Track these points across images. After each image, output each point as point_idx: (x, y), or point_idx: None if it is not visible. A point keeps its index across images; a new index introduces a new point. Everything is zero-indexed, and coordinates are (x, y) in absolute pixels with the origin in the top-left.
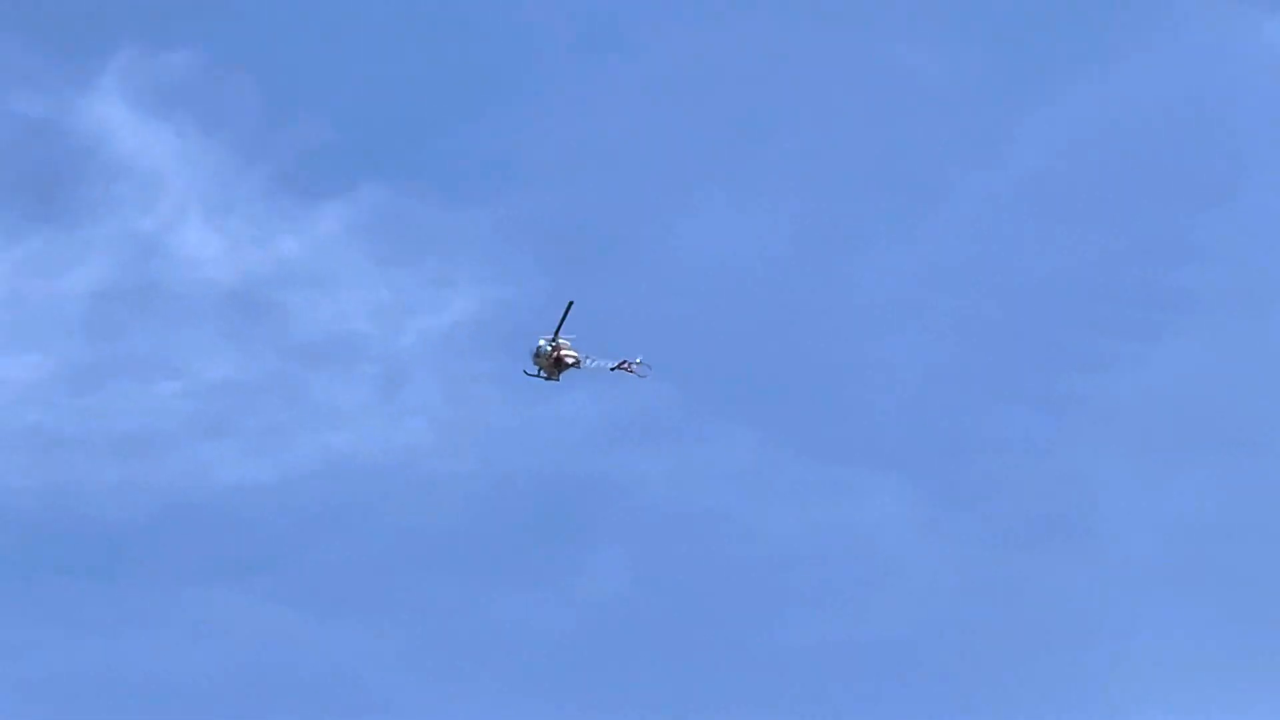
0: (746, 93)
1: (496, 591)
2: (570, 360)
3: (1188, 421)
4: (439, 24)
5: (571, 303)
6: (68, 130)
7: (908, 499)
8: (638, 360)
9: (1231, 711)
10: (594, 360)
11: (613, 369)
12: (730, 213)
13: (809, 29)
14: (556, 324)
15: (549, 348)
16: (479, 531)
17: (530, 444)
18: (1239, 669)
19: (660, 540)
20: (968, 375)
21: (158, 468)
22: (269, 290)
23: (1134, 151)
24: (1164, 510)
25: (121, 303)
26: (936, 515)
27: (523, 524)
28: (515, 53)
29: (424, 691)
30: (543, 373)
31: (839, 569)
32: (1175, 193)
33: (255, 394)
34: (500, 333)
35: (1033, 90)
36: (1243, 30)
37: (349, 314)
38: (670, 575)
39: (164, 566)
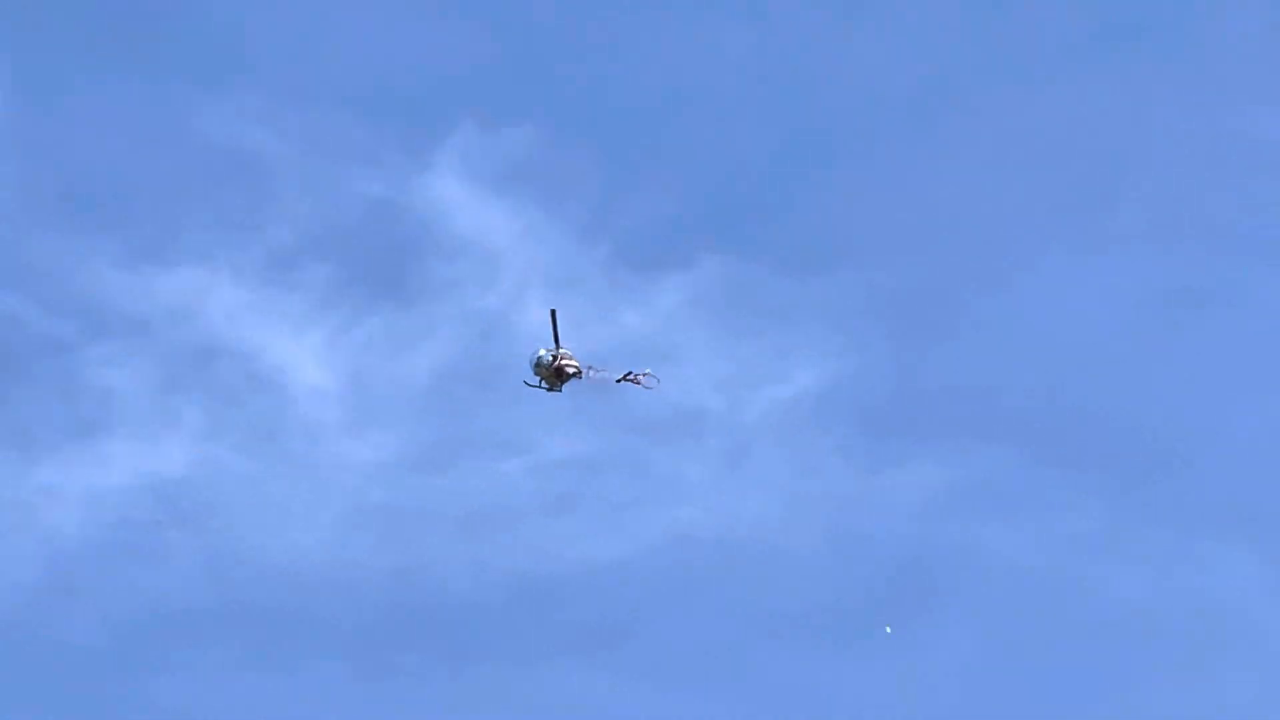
0: (1090, 153)
1: (843, 663)
2: (571, 371)
3: None
4: (777, 95)
5: (554, 310)
6: (407, 209)
7: (1260, 567)
8: (645, 371)
9: None
10: (597, 371)
11: (619, 380)
12: (1076, 276)
13: (1154, 91)
14: (551, 335)
15: (550, 358)
16: (825, 603)
17: (875, 514)
18: None
19: (1008, 608)
20: None
21: (505, 545)
22: (612, 365)
23: None
24: None
25: (465, 381)
26: None
27: (869, 595)
28: (853, 122)
29: None
30: (544, 384)
31: (1190, 637)
32: None
33: (600, 470)
34: (844, 403)
35: None
36: None
37: (692, 387)
38: (1019, 644)
39: (513, 644)
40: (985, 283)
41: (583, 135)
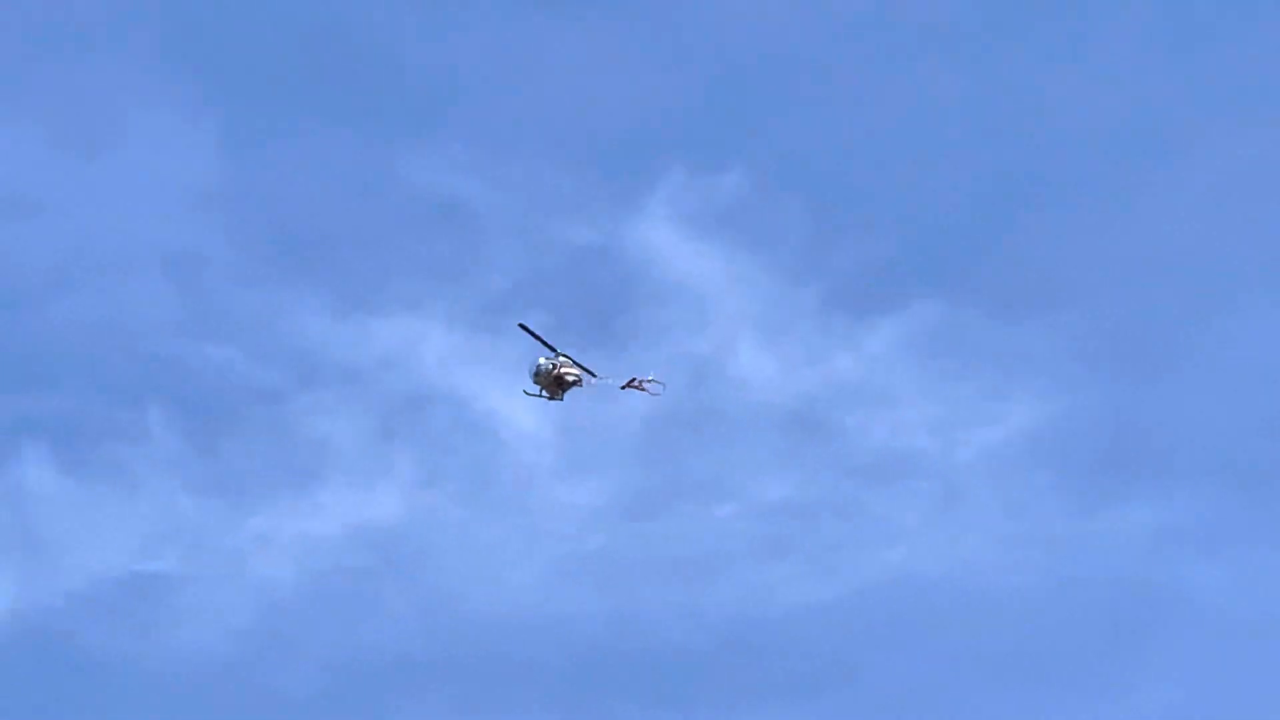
0: None
1: (1058, 705)
2: (571, 379)
3: None
4: (988, 137)
5: (522, 325)
6: (617, 255)
7: None
8: (650, 377)
9: None
10: (599, 378)
11: (623, 387)
12: None
13: None
14: (543, 344)
15: (549, 365)
16: (1040, 645)
17: (1090, 555)
18: None
19: (1224, 651)
20: None
21: (718, 590)
22: (824, 409)
23: None
24: None
25: (677, 426)
26: None
27: (1084, 636)
28: (1065, 162)
29: None
30: (544, 392)
31: None
32: None
33: (813, 513)
34: (1057, 445)
35: None
36: None
37: (905, 430)
38: (1235, 687)
39: (728, 690)
40: (1199, 322)
41: (792, 178)
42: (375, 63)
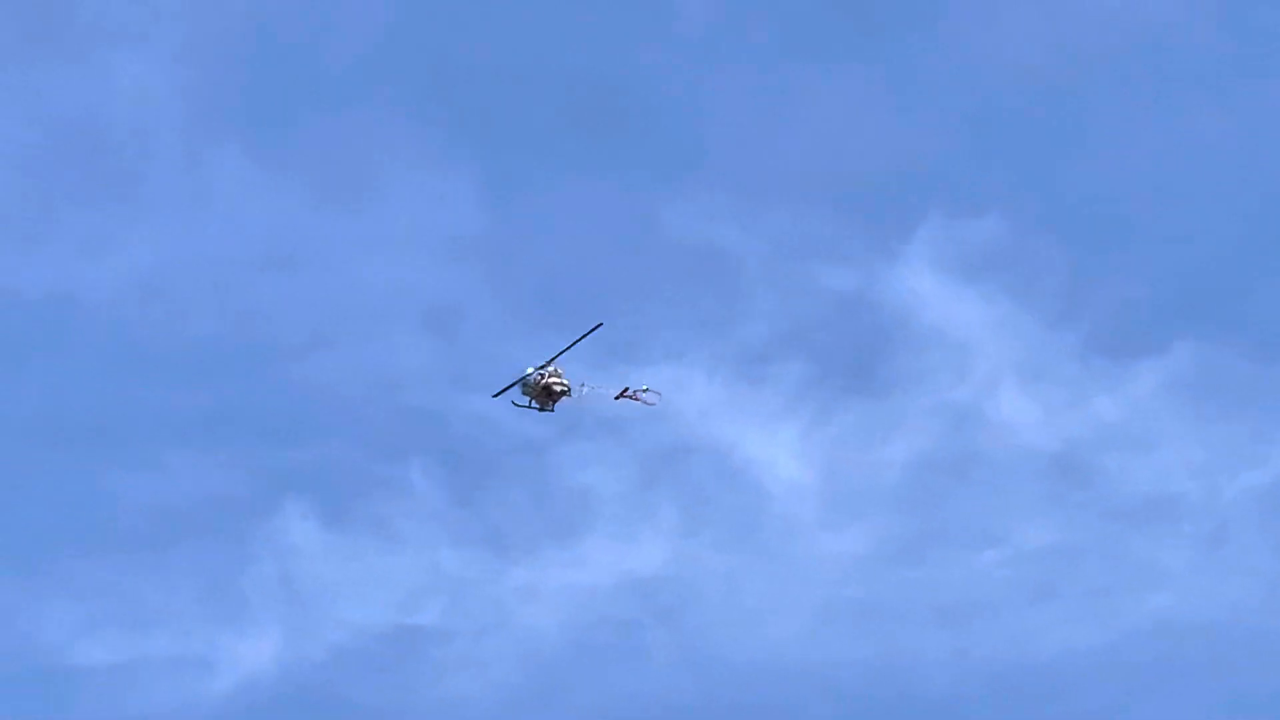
0: None
1: None
2: (559, 389)
3: None
4: (1247, 179)
5: (600, 325)
6: (877, 302)
7: None
8: (644, 388)
9: None
10: (589, 387)
11: (617, 398)
12: None
13: None
14: (557, 353)
15: (537, 376)
16: None
17: None
18: None
19: None
20: None
21: (983, 636)
22: (1086, 453)
23: None
24: None
25: (939, 472)
26: None
27: None
28: None
29: None
30: (534, 404)
31: None
32: None
33: (1077, 558)
34: None
35: None
36: None
37: (1168, 474)
38: None
39: None
40: None
41: (1050, 221)
42: (634, 112)
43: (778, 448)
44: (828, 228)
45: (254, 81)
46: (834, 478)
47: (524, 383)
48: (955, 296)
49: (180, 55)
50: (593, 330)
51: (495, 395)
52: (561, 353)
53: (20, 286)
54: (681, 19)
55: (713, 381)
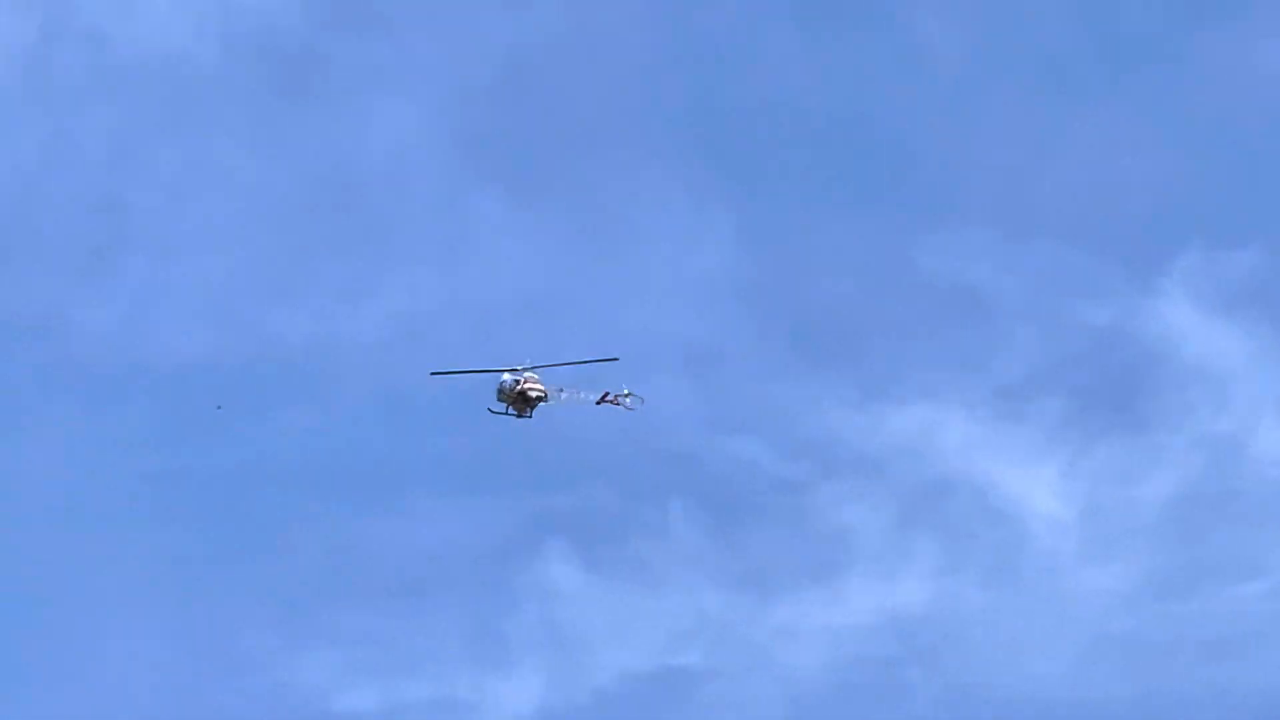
0: None
1: None
2: (535, 394)
3: None
4: None
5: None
6: (1135, 336)
7: None
8: (625, 392)
9: None
10: (567, 393)
11: (598, 403)
12: None
13: None
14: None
15: (513, 382)
16: None
17: None
18: None
19: None
20: None
21: (1249, 670)
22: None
23: None
24: None
25: (1201, 506)
26: None
27: None
28: None
29: None
30: (510, 410)
31: None
32: None
33: None
34: None
35: None
36: None
37: None
38: None
39: None
40: None
41: None
42: (890, 152)
43: (1037, 484)
44: (1085, 263)
45: (511, 127)
46: (1095, 513)
47: (500, 389)
48: (1215, 329)
49: (437, 103)
50: (605, 360)
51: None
52: (561, 365)
53: (282, 334)
54: (937, 60)
55: (971, 419)
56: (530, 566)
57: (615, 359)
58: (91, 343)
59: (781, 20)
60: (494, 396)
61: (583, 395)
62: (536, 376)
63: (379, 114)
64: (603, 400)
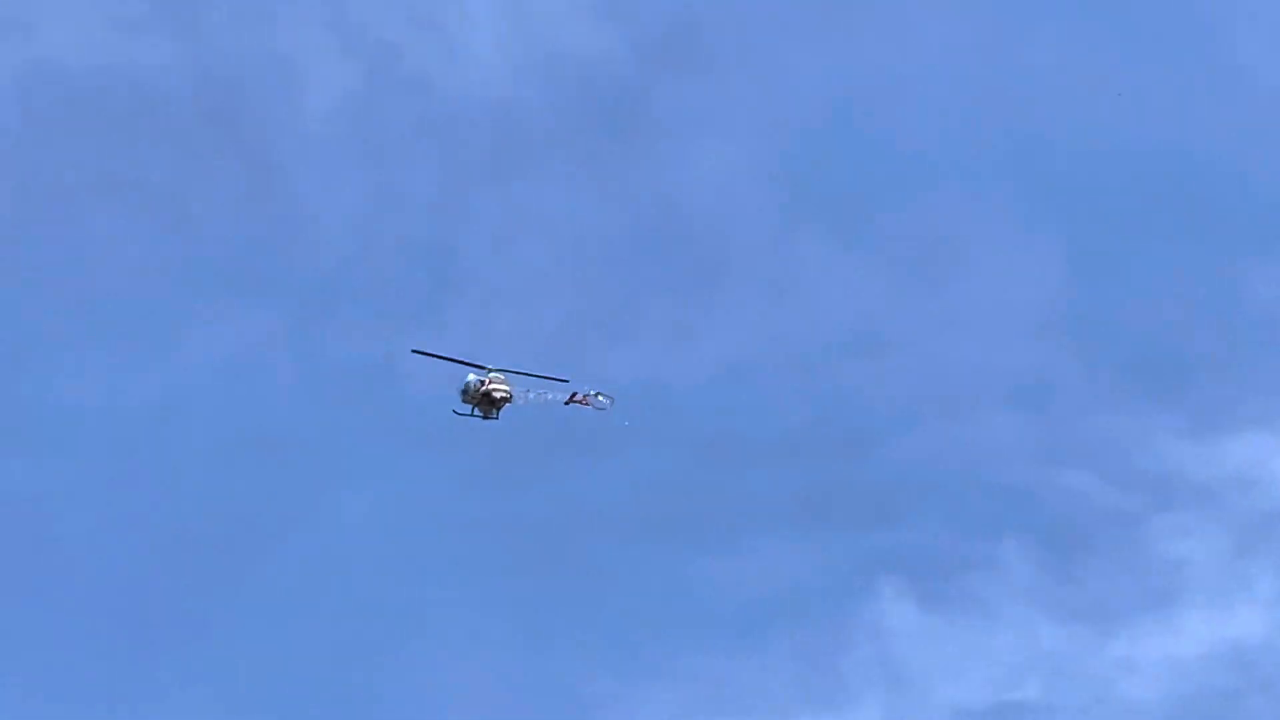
0: None
1: None
2: (500, 395)
3: None
4: None
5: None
6: None
7: None
8: (593, 392)
9: None
10: (535, 393)
11: (566, 403)
12: None
13: None
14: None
15: (477, 383)
16: None
17: None
18: None
19: None
20: None
21: None
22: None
23: None
24: None
25: None
26: None
27: None
28: None
29: None
30: (476, 411)
31: None
32: None
33: None
34: None
35: None
36: None
37: None
38: None
39: None
40: None
41: None
42: (1216, 179)
43: None
44: None
45: (835, 165)
46: None
47: (464, 390)
48: None
49: (762, 142)
50: (558, 379)
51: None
52: (525, 374)
53: (612, 377)
54: (1265, 85)
55: None
56: (864, 603)
57: (565, 380)
58: (423, 386)
59: (1105, 50)
60: (459, 397)
61: (550, 396)
62: (502, 377)
63: (704, 155)
64: (571, 400)
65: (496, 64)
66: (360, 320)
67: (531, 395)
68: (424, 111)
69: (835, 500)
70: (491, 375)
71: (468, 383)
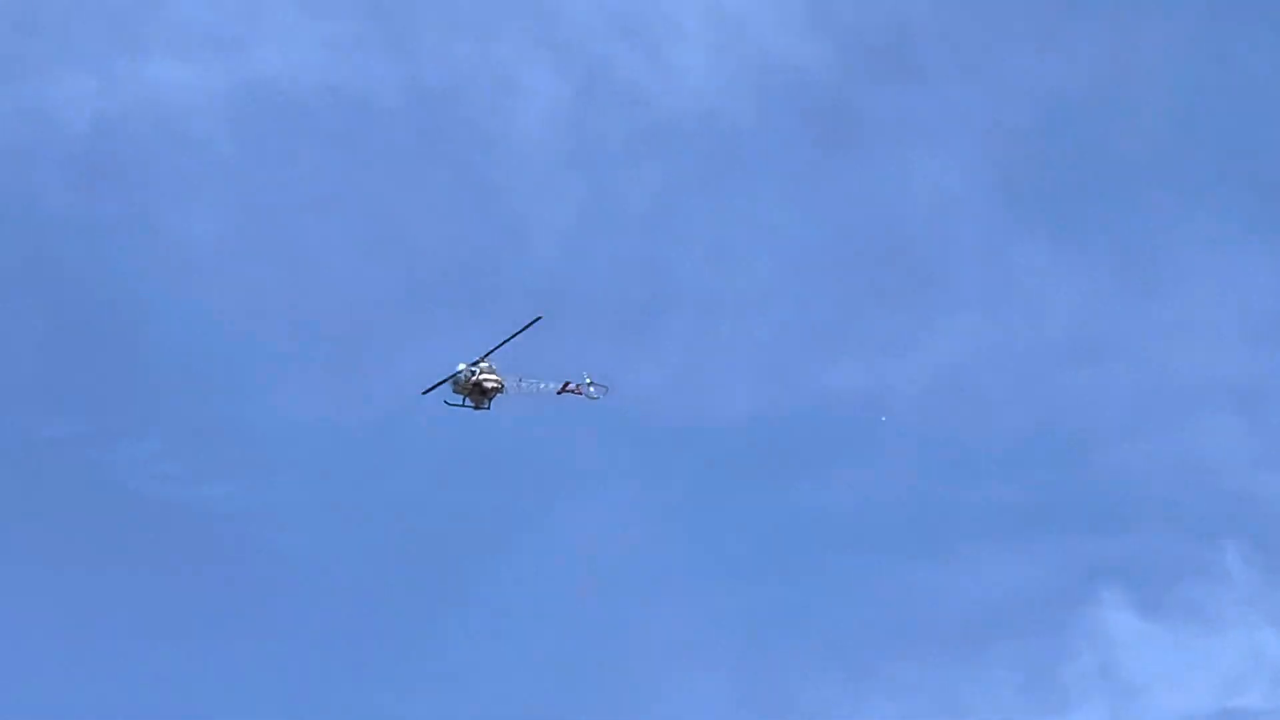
0: None
1: None
2: (491, 385)
3: None
4: None
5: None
6: None
7: None
8: (587, 380)
9: None
10: (527, 382)
11: (559, 392)
12: None
13: None
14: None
15: (468, 373)
16: None
17: None
18: None
19: None
20: None
21: None
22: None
23: None
24: None
25: None
26: None
27: None
28: None
29: None
30: (467, 401)
31: None
32: None
33: None
34: None
35: None
36: None
37: None
38: None
39: None
40: None
41: None
42: None
43: None
44: None
45: (1052, 171)
46: None
47: (455, 381)
48: None
49: (977, 150)
50: (531, 324)
51: (424, 393)
52: (498, 347)
53: (832, 388)
54: None
55: None
56: (1084, 611)
57: (539, 318)
58: (640, 403)
59: None
60: (450, 389)
61: (543, 385)
62: (492, 366)
63: (919, 164)
64: (564, 390)
65: (707, 75)
66: (575, 335)
67: (523, 384)
68: (636, 124)
69: (1055, 508)
70: (482, 365)
71: (458, 373)
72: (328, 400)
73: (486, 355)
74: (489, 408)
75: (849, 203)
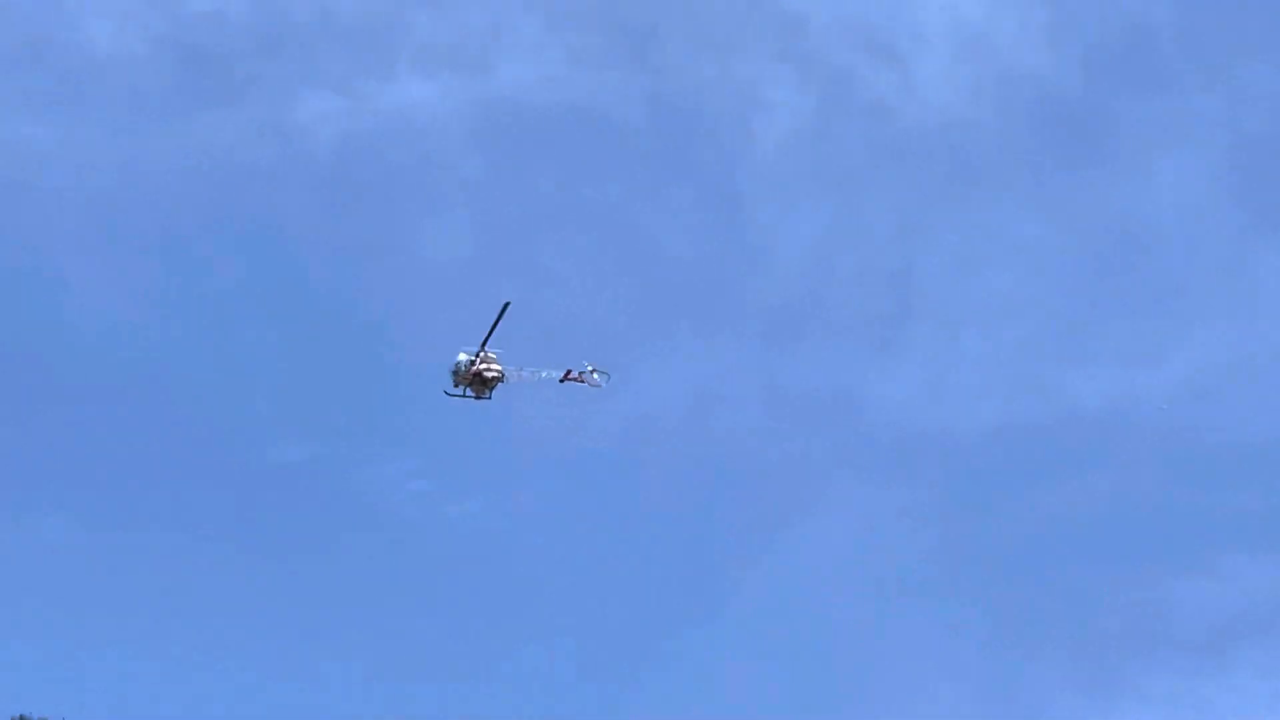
0: None
1: None
2: (492, 375)
3: None
4: None
5: (508, 304)
6: None
7: None
8: (589, 368)
9: None
10: (527, 371)
11: (561, 380)
12: None
13: None
14: (486, 332)
15: (468, 362)
16: None
17: None
18: None
19: None
20: None
21: None
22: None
23: None
24: None
25: None
26: None
27: None
28: None
29: None
30: (468, 391)
31: None
32: None
33: None
34: None
35: None
36: None
37: None
38: None
39: None
40: None
41: None
42: None
43: None
44: None
45: None
46: None
47: (455, 371)
48: None
49: (1223, 157)
50: (502, 311)
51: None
52: (487, 338)
53: (1077, 396)
54: None
55: None
56: None
57: (507, 303)
58: (886, 413)
59: None
60: (451, 379)
61: (545, 374)
62: (494, 356)
63: (1164, 172)
64: (566, 378)
65: (949, 87)
66: (823, 348)
67: (524, 374)
68: (878, 137)
69: None
70: (483, 355)
71: (459, 363)
72: (573, 412)
73: (483, 345)
74: (490, 397)
75: (1092, 212)
